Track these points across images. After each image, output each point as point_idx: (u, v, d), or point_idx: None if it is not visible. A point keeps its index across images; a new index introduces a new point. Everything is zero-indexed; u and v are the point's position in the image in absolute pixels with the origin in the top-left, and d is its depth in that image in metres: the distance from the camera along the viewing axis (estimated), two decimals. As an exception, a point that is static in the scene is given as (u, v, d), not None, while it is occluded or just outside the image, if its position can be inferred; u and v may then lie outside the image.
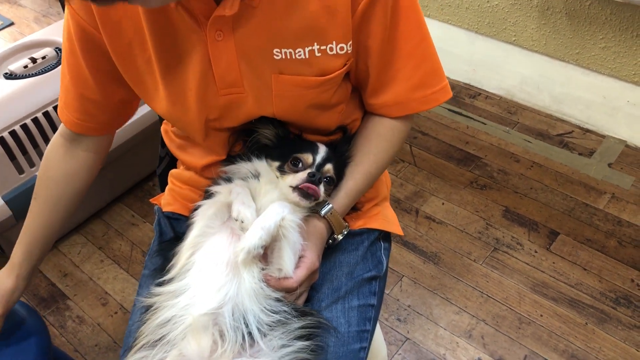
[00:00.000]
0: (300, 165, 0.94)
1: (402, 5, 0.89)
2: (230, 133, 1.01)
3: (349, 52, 0.90)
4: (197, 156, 1.06)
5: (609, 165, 2.05)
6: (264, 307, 0.86)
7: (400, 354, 1.57)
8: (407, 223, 1.90)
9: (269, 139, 0.99)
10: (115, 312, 1.73)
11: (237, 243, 0.88)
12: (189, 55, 0.89)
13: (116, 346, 1.64)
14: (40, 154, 1.73)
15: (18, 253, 1.08)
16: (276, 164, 0.96)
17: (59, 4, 3.25)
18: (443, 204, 1.96)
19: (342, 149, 1.02)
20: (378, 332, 1.48)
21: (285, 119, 0.97)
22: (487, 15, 2.27)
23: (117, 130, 1.14)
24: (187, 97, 0.92)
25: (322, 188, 0.92)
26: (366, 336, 0.98)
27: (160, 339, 0.86)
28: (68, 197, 1.08)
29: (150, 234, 1.95)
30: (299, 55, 0.88)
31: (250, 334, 0.84)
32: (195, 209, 0.96)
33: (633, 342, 1.55)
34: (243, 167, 0.98)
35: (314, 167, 0.94)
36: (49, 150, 1.09)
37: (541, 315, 1.62)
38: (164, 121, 1.18)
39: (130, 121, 1.18)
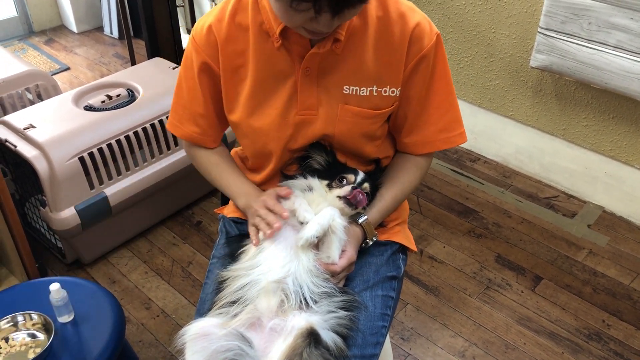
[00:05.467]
0: (345, 182, 1.24)
1: (439, 67, 1.22)
2: (291, 157, 1.32)
3: (397, 96, 1.22)
4: (256, 174, 1.37)
5: (588, 226, 2.36)
6: (315, 282, 1.14)
7: (403, 366, 1.83)
8: (412, 260, 2.19)
9: (320, 164, 1.29)
10: (157, 316, 1.99)
11: (297, 235, 1.18)
12: (282, 83, 1.19)
13: (157, 343, 1.89)
14: (109, 174, 2.04)
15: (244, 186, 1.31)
16: (325, 182, 1.26)
17: (109, 53, 3.65)
18: (444, 247, 2.26)
19: (375, 177, 1.33)
20: (387, 342, 1.74)
21: (341, 140, 1.24)
22: (489, 92, 2.62)
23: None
24: (269, 113, 1.21)
25: None
26: (387, 318, 1.25)
27: (237, 299, 1.14)
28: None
29: (189, 253, 2.23)
30: (362, 93, 1.20)
31: (306, 299, 1.12)
32: (262, 213, 1.27)
33: (601, 370, 1.81)
34: (300, 182, 1.29)
35: (356, 183, 1.25)
36: (199, 158, 1.36)
37: (524, 344, 1.89)
38: (233, 148, 1.51)
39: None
